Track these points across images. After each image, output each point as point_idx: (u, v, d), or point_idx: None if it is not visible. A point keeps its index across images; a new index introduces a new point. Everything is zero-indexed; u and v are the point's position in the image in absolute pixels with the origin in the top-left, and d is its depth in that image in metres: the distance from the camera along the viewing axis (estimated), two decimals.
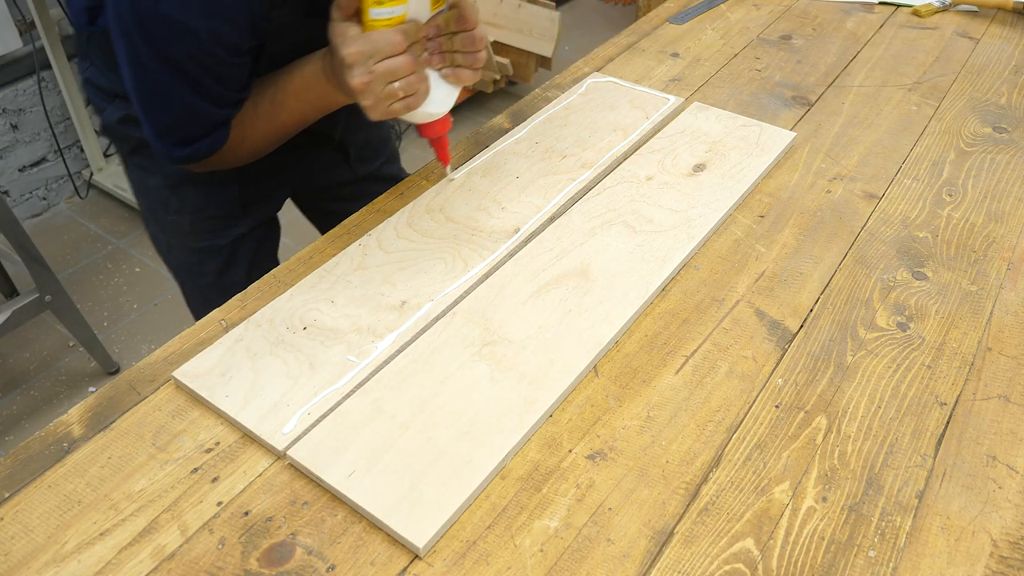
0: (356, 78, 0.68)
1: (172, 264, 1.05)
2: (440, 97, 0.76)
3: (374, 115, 0.71)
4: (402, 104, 0.71)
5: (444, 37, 0.74)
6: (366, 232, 0.80)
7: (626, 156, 0.92)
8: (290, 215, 1.14)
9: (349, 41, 0.68)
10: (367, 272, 0.75)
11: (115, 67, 0.83)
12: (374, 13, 0.67)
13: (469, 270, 0.76)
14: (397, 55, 0.68)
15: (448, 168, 0.86)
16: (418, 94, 0.71)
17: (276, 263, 1.01)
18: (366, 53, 0.67)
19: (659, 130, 0.96)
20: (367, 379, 0.65)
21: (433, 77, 0.75)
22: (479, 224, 0.81)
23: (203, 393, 0.64)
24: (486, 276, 0.75)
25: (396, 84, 0.69)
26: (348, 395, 0.64)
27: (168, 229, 1.00)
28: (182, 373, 0.65)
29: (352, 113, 0.92)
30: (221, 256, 1.00)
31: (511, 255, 0.78)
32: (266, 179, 0.98)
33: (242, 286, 0.76)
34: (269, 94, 0.79)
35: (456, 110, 2.80)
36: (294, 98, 0.79)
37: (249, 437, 0.62)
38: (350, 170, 1.08)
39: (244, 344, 0.68)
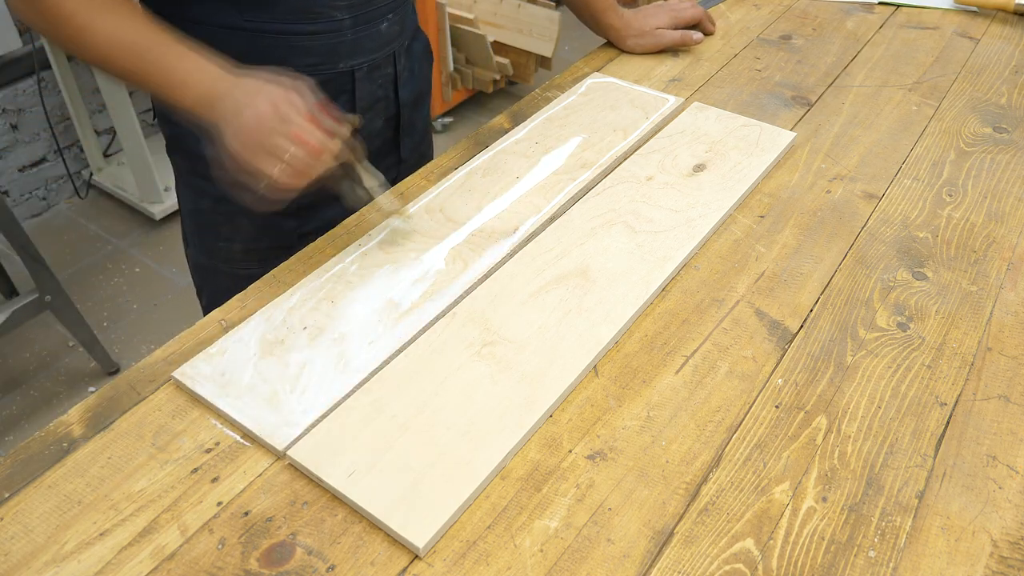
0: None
1: (210, 285, 1.02)
2: None
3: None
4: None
5: None
6: (366, 232, 0.80)
7: (626, 156, 0.92)
8: None
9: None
10: (367, 272, 0.75)
11: None
12: None
13: (469, 270, 0.76)
14: None
15: None
16: None
17: None
18: None
19: (659, 130, 0.96)
20: (367, 379, 0.65)
21: None
22: (479, 224, 0.81)
23: (203, 393, 0.64)
24: (486, 276, 0.75)
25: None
26: (348, 395, 0.64)
27: (215, 255, 0.98)
28: (182, 373, 0.65)
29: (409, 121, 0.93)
30: None
31: (511, 255, 0.78)
32: (324, 209, 0.94)
33: None
34: (137, 25, 0.71)
35: (456, 110, 2.81)
36: (155, 56, 0.71)
37: (249, 437, 0.62)
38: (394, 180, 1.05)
39: (244, 344, 0.68)
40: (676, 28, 1.15)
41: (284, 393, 0.64)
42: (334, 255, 0.77)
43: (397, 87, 0.97)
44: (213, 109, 0.70)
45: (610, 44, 1.17)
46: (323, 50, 0.87)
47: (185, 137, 0.89)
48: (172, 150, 0.94)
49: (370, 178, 0.78)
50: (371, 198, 0.80)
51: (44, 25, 0.72)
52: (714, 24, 1.20)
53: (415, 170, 1.05)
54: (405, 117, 1.00)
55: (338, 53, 0.89)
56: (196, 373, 0.65)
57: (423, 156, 1.09)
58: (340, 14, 0.85)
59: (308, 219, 0.94)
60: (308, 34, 0.85)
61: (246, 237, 0.95)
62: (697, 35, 1.15)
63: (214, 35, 0.81)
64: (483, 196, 0.85)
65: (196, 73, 0.71)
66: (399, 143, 1.02)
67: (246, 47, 0.83)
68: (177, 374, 0.65)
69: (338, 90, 0.91)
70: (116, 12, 0.72)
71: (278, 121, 0.68)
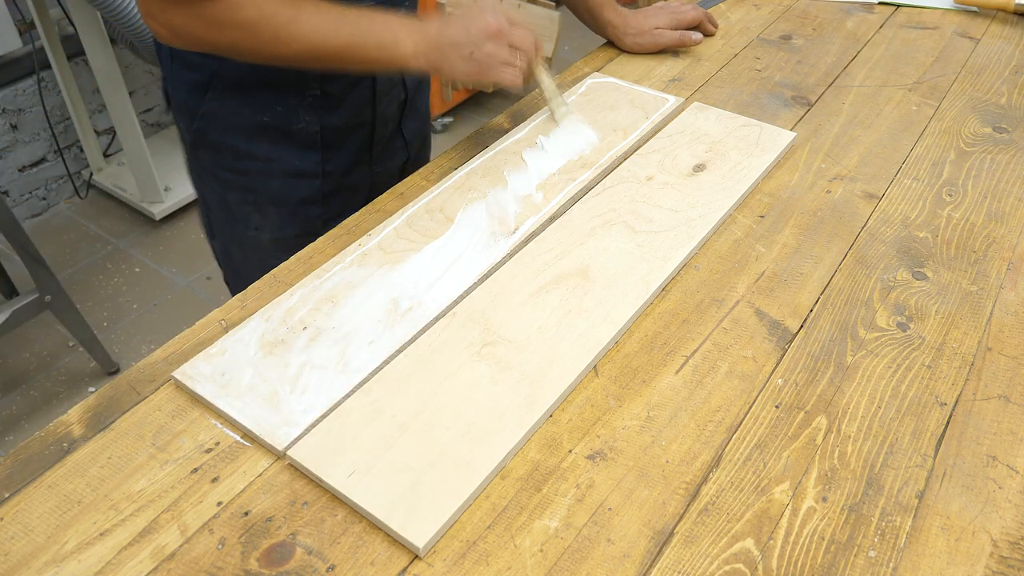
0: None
1: (240, 274, 1.06)
2: None
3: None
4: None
5: None
6: (366, 232, 0.80)
7: (626, 156, 0.92)
8: None
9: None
10: (367, 272, 0.75)
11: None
12: None
13: (469, 270, 0.76)
14: None
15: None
16: None
17: None
18: None
19: (659, 130, 0.96)
20: (367, 379, 0.65)
21: None
22: (479, 224, 0.81)
23: (203, 393, 0.64)
24: (486, 276, 0.75)
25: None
26: (348, 395, 0.64)
27: (244, 245, 1.02)
28: (182, 373, 0.65)
29: (410, 102, 1.00)
30: None
31: (511, 255, 0.78)
32: (350, 195, 0.99)
33: None
34: (331, 7, 0.79)
35: (456, 110, 2.81)
36: (369, 23, 0.80)
37: (249, 437, 0.62)
38: (403, 163, 1.11)
39: (244, 344, 0.68)
40: (676, 29, 1.15)
41: (284, 393, 0.64)
42: (334, 255, 0.77)
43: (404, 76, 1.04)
44: (432, 53, 0.81)
45: (611, 44, 1.17)
46: None
47: (211, 131, 0.92)
48: (197, 146, 0.96)
49: (545, 72, 0.93)
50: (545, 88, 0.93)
51: (239, 34, 0.76)
52: (716, 26, 1.21)
53: (420, 152, 1.12)
54: (409, 100, 1.05)
55: None
56: (196, 373, 0.65)
57: (425, 138, 1.14)
58: None
59: (333, 207, 0.97)
60: None
61: (274, 226, 0.98)
62: (696, 36, 1.15)
63: None
64: (483, 196, 0.85)
65: (404, 30, 0.81)
66: (403, 127, 1.06)
67: None
68: (177, 374, 0.65)
69: (360, 77, 0.96)
70: (305, 2, 0.78)
71: (498, 39, 0.81)
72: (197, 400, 0.65)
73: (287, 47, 0.78)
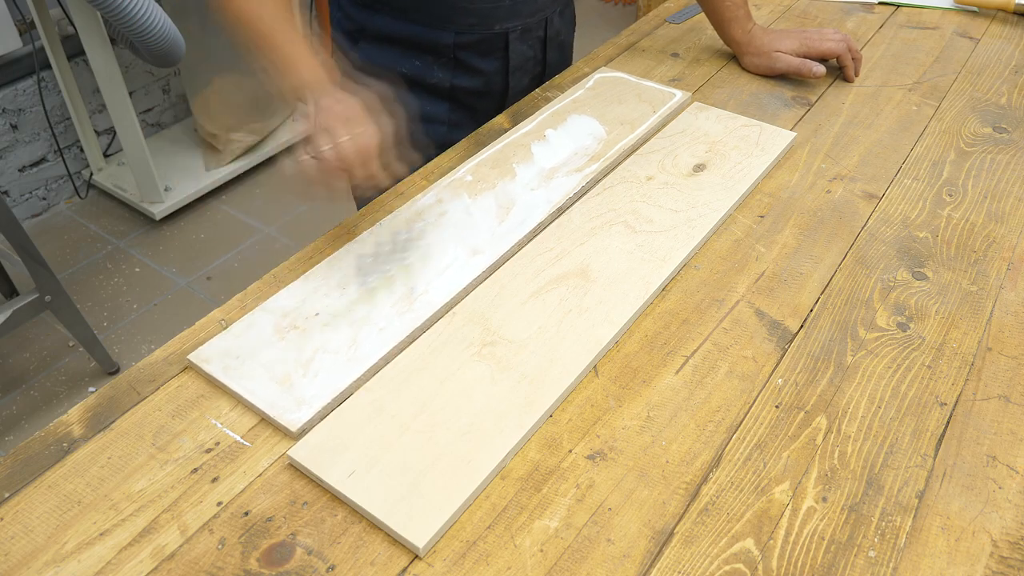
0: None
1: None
2: None
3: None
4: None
5: None
6: (368, 230, 0.80)
7: (633, 149, 0.92)
8: (290, 215, 1.15)
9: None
10: (370, 269, 0.75)
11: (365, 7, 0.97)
12: None
13: (477, 261, 0.76)
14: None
15: None
16: None
17: None
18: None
19: (666, 123, 0.97)
20: (367, 379, 0.66)
21: None
22: (488, 214, 0.81)
23: (218, 375, 0.65)
24: (486, 276, 0.75)
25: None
26: (348, 395, 0.64)
27: None
28: (196, 356, 0.66)
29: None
30: None
31: (511, 255, 0.78)
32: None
33: None
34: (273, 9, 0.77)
35: None
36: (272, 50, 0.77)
37: (248, 437, 0.62)
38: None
39: (257, 328, 0.69)
40: (804, 56, 1.07)
41: (297, 377, 0.65)
42: (333, 255, 0.77)
43: (546, 49, 1.08)
44: (307, 94, 0.75)
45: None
46: (483, 12, 0.98)
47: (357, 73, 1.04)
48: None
49: None
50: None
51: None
52: (859, 62, 1.08)
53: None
54: (548, 77, 1.11)
55: (496, 16, 0.99)
56: (211, 355, 0.66)
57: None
58: None
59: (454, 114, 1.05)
60: None
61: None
62: (818, 68, 1.04)
63: None
64: (492, 187, 0.85)
65: (304, 65, 0.76)
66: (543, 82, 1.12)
67: (418, 1, 0.96)
68: (192, 356, 0.67)
69: (492, 48, 1.03)
70: None
71: (329, 125, 0.71)
72: (197, 401, 0.65)
73: (222, 7, 0.77)
